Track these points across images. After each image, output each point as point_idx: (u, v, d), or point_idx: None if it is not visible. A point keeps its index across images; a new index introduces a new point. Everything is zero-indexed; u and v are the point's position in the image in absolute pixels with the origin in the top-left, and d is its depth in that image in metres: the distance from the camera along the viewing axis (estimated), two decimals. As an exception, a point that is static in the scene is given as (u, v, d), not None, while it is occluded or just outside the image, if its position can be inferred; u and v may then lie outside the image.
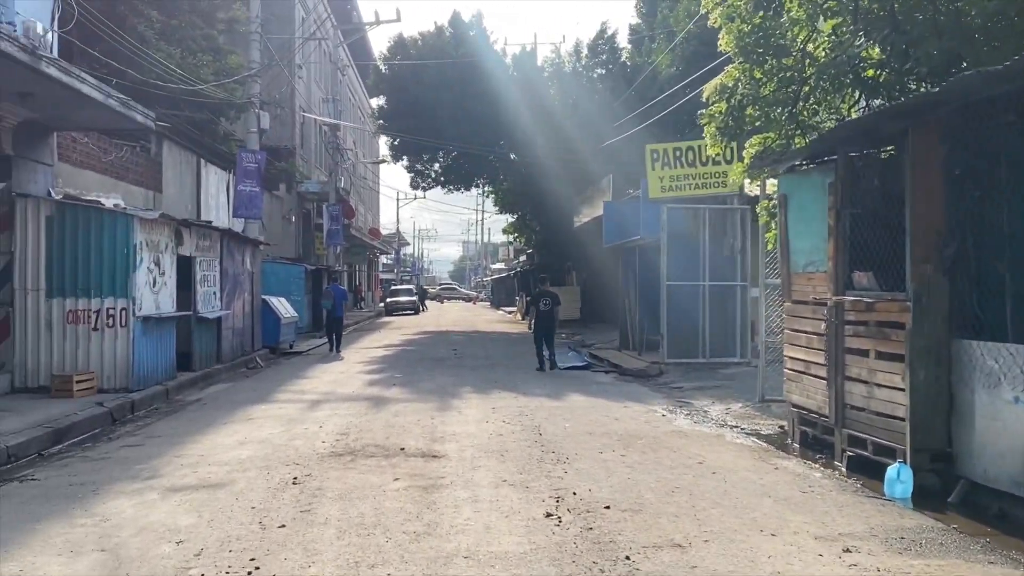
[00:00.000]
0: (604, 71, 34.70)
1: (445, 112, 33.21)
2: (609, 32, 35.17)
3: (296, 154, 35.96)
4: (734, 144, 12.05)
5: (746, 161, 10.92)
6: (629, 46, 35.10)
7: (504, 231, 54.71)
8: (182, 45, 20.90)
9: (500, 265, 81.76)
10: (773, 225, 11.31)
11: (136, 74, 16.19)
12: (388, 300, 53.29)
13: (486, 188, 45.76)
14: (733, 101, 10.92)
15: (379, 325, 38.63)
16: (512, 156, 36.38)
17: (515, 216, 44.69)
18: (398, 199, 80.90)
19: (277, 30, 32.05)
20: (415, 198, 76.59)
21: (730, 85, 11.01)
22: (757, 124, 10.80)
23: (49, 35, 11.03)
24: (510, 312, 51.14)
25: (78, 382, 12.46)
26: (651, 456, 8.78)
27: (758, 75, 10.62)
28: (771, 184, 12.07)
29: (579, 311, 34.58)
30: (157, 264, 14.03)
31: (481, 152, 35.32)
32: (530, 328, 19.96)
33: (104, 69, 15.59)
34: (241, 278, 19.46)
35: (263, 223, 23.96)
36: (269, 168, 25.90)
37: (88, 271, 13.01)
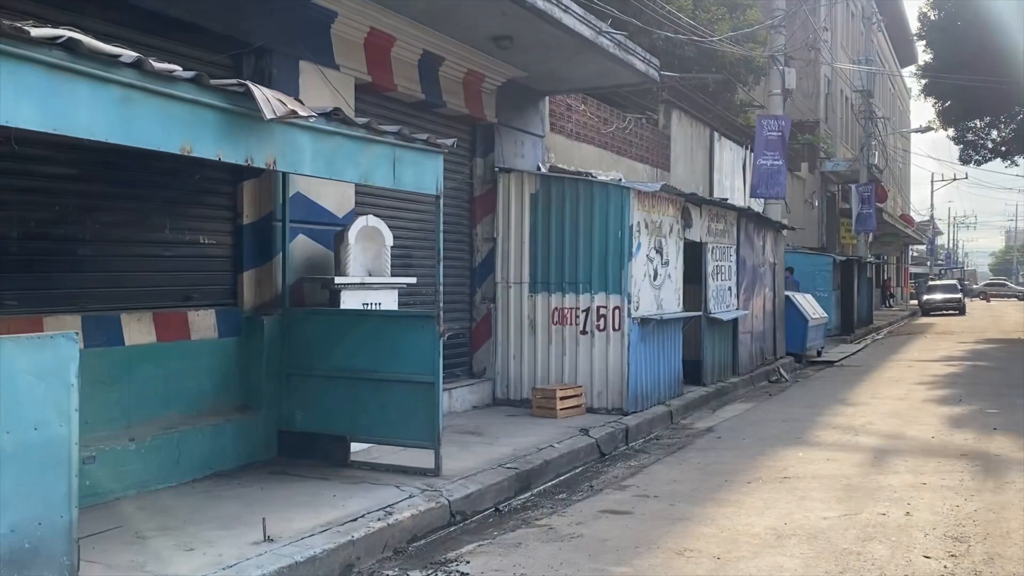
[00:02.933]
0: None
1: (1017, 63, 25.84)
2: None
3: (820, 128, 31.34)
4: None
5: None
6: None
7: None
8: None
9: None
10: None
11: (635, 21, 13.30)
12: (924, 297, 45.55)
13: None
14: None
15: (919, 328, 32.14)
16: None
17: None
18: (932, 180, 70.20)
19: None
20: (954, 178, 66.24)
21: None
22: None
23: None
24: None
25: (563, 398, 9.86)
26: None
27: None
28: None
29: None
30: (658, 251, 10.97)
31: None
32: None
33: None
34: (761, 270, 15.81)
35: (786, 204, 19.99)
36: (790, 143, 21.93)
37: (576, 260, 10.38)
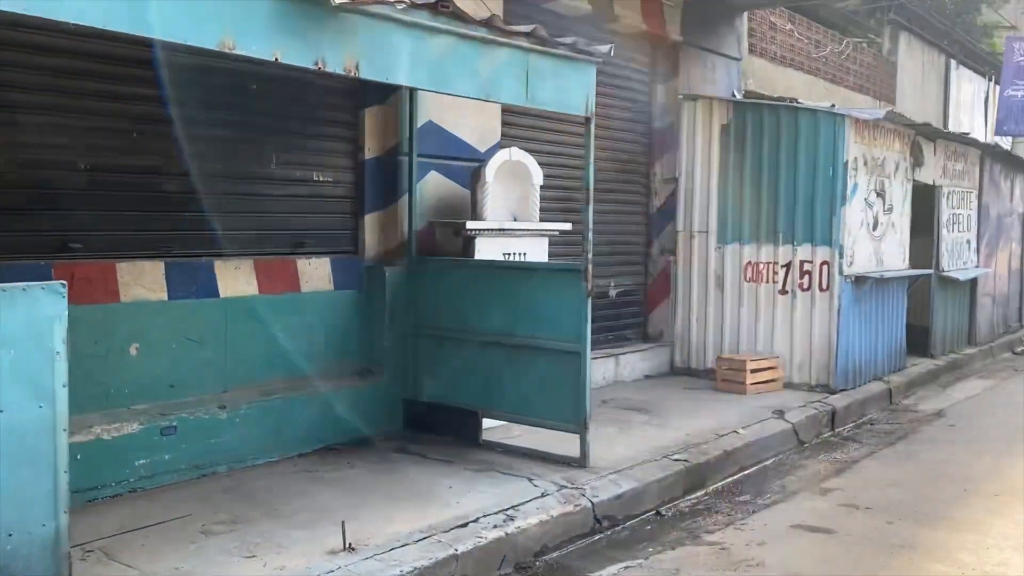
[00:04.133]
0: None
1: None
2: None
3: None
4: None
5: None
6: None
7: None
8: None
9: None
10: None
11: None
12: None
13: None
14: None
15: None
16: None
17: None
18: None
19: None
20: None
21: None
22: None
23: None
24: None
25: (753, 371, 8.22)
26: None
27: None
28: None
29: None
30: (880, 195, 8.97)
31: None
32: None
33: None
34: (1007, 221, 13.17)
35: (1040, 143, 16.83)
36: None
37: (775, 204, 8.60)
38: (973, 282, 11.53)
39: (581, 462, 5.49)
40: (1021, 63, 15.45)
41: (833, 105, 8.88)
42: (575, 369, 5.50)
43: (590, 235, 5.50)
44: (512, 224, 6.58)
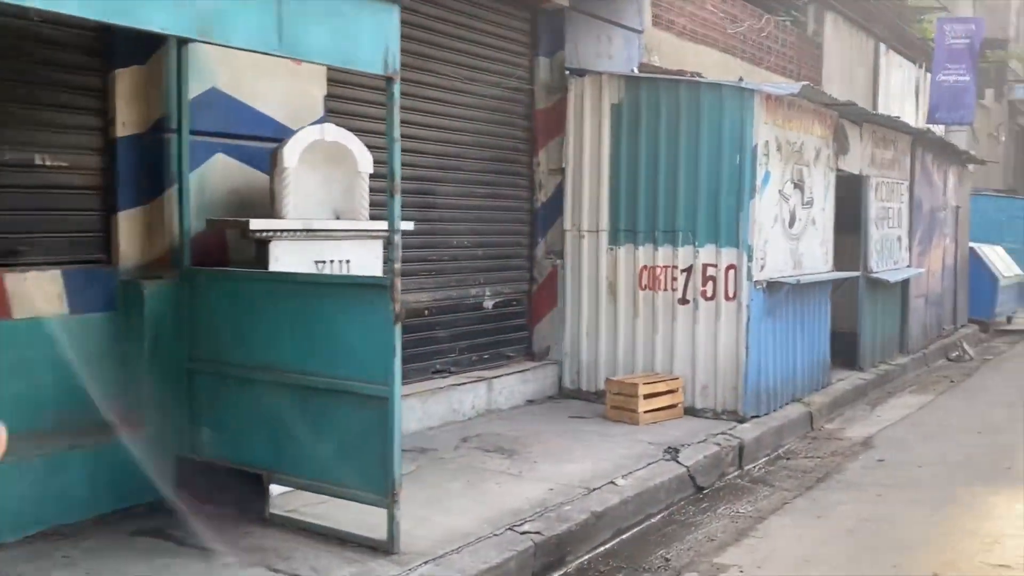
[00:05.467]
0: None
1: None
2: None
3: (1008, 47, 26.16)
4: None
5: None
6: None
7: None
8: None
9: None
10: None
11: None
12: None
13: None
14: None
15: None
16: None
17: None
18: None
19: None
20: None
21: None
22: None
23: None
24: None
25: (647, 397, 6.86)
26: None
27: None
28: None
29: None
30: (798, 186, 7.70)
31: None
32: None
33: None
34: (940, 215, 12.10)
35: (973, 132, 15.89)
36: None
37: (674, 198, 7.27)
38: (905, 283, 10.40)
39: (388, 546, 4.04)
40: (954, 46, 14.50)
41: (741, 79, 7.58)
42: (381, 420, 4.05)
43: (397, 237, 4.06)
44: (325, 224, 5.09)
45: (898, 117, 10.66)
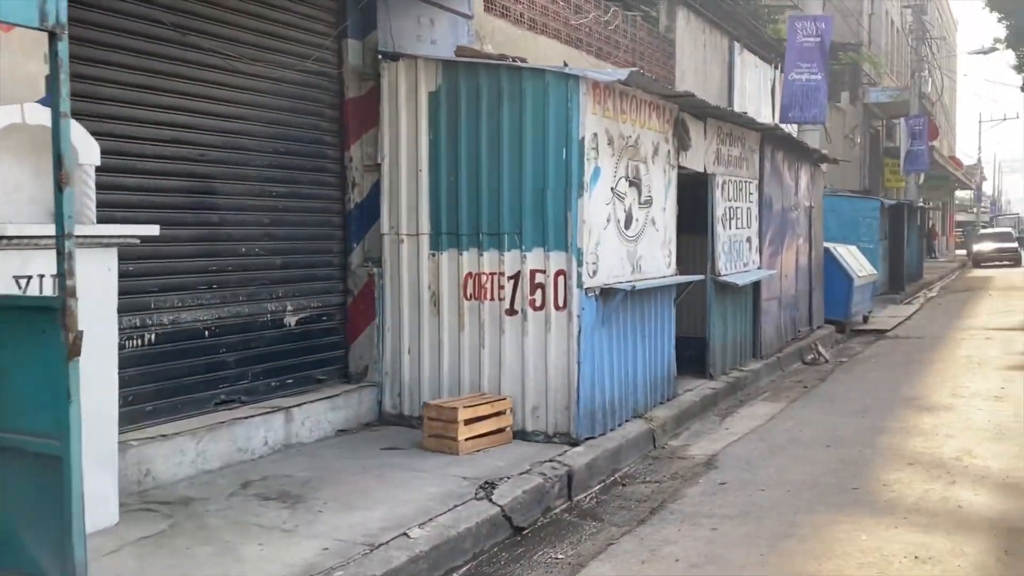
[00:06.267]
0: None
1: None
2: None
3: (860, 50, 26.86)
4: None
5: None
6: None
7: None
8: None
9: None
10: None
11: None
12: (975, 248, 40.94)
13: None
14: None
15: (975, 283, 27.74)
16: None
17: None
18: (981, 120, 64.88)
19: None
20: (1003, 119, 61.11)
21: None
22: None
23: None
24: None
25: (469, 422, 6.05)
26: None
27: None
28: None
29: None
30: (634, 184, 7.06)
31: None
32: None
33: None
34: (792, 215, 11.81)
35: (826, 131, 15.87)
36: (830, 65, 17.60)
37: (498, 196, 6.50)
38: (756, 286, 9.98)
39: (68, 653, 3.07)
40: (805, 44, 14.35)
41: (565, 63, 6.88)
42: (56, 485, 3.08)
43: (67, 244, 3.08)
44: (24, 228, 4.05)
45: (745, 112, 10.23)
